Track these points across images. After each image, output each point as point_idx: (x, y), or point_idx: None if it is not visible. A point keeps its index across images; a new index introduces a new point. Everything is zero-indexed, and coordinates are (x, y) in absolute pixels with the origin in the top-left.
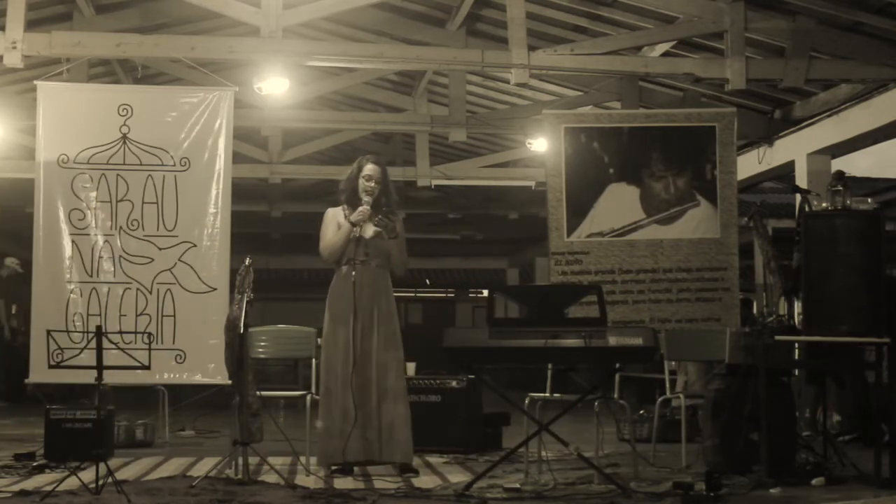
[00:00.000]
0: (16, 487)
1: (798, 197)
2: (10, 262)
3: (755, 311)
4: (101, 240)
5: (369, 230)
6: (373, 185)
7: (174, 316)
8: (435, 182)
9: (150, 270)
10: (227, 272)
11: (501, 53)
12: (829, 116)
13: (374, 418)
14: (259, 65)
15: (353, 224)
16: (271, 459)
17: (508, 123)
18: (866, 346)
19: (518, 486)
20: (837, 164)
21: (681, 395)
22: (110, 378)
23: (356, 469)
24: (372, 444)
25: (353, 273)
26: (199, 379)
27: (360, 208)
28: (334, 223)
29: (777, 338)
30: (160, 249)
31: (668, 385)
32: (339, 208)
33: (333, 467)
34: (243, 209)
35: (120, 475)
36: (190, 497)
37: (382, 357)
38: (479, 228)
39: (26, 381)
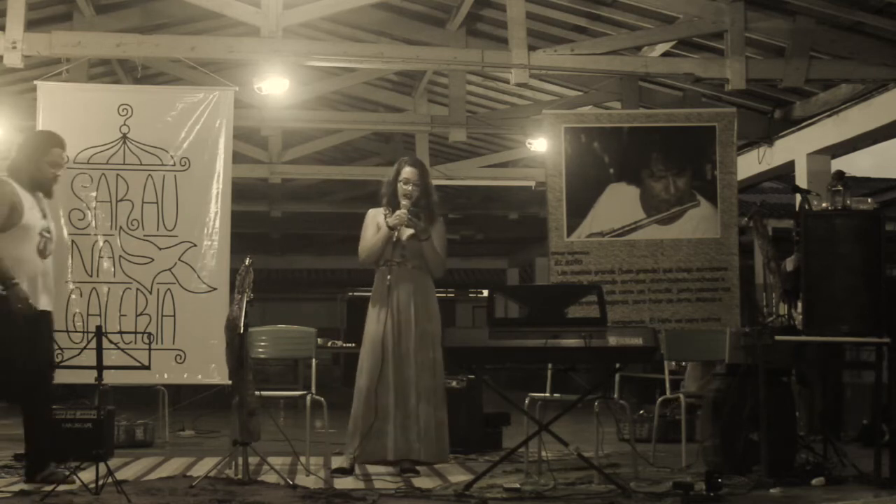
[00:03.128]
0: (16, 487)
1: (798, 197)
2: None
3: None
4: (101, 240)
5: (406, 232)
6: (410, 188)
7: (174, 316)
8: (435, 182)
9: (150, 270)
10: (227, 272)
11: (501, 53)
12: (829, 116)
13: (414, 418)
14: (259, 65)
15: (391, 228)
16: (271, 459)
17: (508, 123)
18: (863, 345)
19: (518, 486)
20: (837, 164)
21: (681, 395)
22: (110, 378)
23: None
24: (412, 444)
25: (389, 276)
26: (199, 379)
27: (398, 212)
28: (374, 225)
29: (777, 338)
30: (160, 249)
31: (667, 385)
32: (380, 209)
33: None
34: (243, 209)
35: (120, 475)
36: (190, 497)
37: (420, 357)
38: (479, 228)
39: None
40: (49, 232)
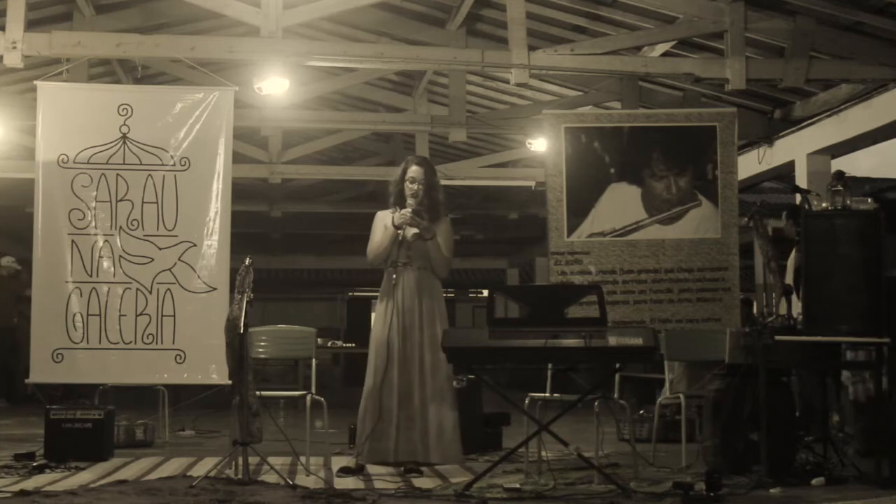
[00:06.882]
0: (16, 487)
1: (798, 197)
2: (7, 261)
3: (755, 311)
4: (101, 240)
5: (410, 231)
6: (416, 186)
7: (174, 316)
8: None
9: (150, 270)
10: (227, 272)
11: (501, 53)
12: (829, 116)
13: (419, 420)
14: (259, 65)
15: (397, 227)
16: (271, 459)
17: (508, 123)
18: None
19: (518, 486)
20: (837, 164)
21: (681, 395)
22: (110, 378)
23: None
24: (416, 445)
25: (395, 275)
26: (199, 379)
27: (402, 211)
28: (381, 226)
29: (777, 338)
30: (160, 249)
31: (667, 385)
32: (388, 211)
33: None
34: (243, 209)
35: (120, 475)
36: (190, 497)
37: (429, 358)
38: (479, 228)
39: (26, 380)
40: None
